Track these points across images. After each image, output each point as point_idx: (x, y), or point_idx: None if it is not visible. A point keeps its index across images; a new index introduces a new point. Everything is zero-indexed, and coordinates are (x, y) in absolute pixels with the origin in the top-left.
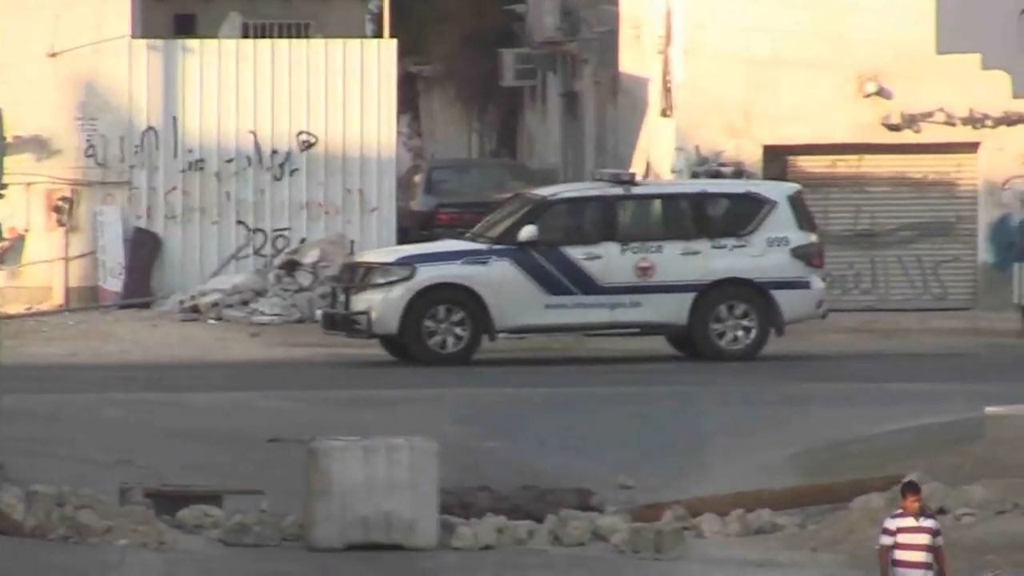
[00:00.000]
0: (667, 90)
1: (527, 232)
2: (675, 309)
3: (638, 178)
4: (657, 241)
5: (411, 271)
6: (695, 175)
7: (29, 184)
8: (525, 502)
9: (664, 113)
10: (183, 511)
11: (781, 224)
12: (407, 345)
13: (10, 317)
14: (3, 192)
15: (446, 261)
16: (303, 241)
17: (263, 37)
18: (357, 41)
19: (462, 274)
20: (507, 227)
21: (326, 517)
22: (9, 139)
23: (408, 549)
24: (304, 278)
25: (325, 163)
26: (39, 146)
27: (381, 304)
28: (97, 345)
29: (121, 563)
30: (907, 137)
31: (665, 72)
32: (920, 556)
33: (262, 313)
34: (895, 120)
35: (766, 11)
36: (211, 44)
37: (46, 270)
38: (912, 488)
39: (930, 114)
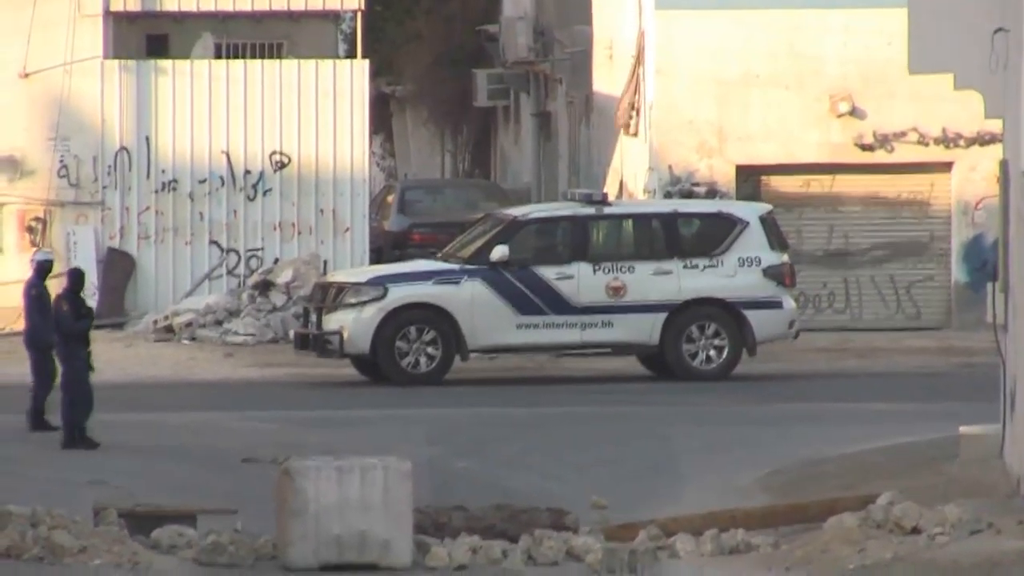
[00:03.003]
0: (635, 110)
1: (499, 252)
2: (647, 329)
3: (610, 198)
4: (629, 261)
5: (383, 291)
6: (668, 195)
7: (2, 205)
8: (499, 522)
9: (637, 133)
10: (157, 531)
11: (753, 244)
12: (379, 365)
13: None
14: None
15: (418, 281)
16: (276, 261)
17: (236, 57)
18: (330, 61)
19: (434, 294)
20: (479, 247)
21: (300, 537)
22: None
23: (382, 569)
24: (277, 298)
25: (298, 183)
26: (11, 167)
27: (353, 324)
28: None
29: None
30: (880, 157)
31: (634, 92)
32: None
33: (235, 333)
34: (868, 140)
35: (738, 31)
36: (184, 64)
37: (19, 291)
38: None
39: (903, 134)
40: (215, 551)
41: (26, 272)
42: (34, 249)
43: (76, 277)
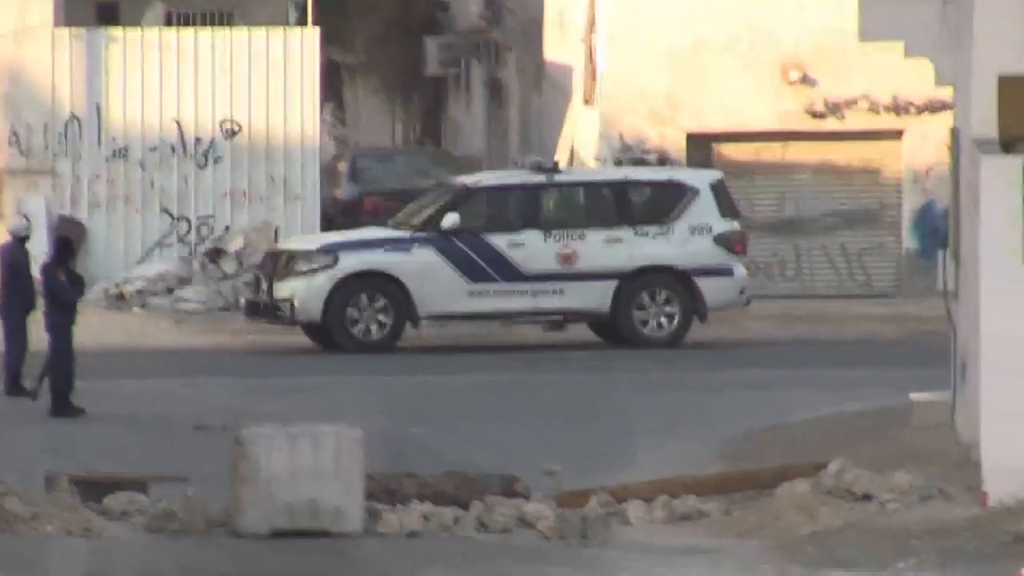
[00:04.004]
0: (589, 78)
1: (449, 220)
2: (598, 296)
3: (561, 166)
4: (580, 229)
5: (334, 259)
6: (619, 163)
7: None
8: (451, 488)
9: (587, 101)
10: (109, 498)
11: (704, 212)
12: (330, 332)
13: None
14: None
15: (369, 249)
16: (227, 229)
17: (186, 26)
18: (280, 29)
19: (385, 261)
20: (430, 215)
21: (252, 504)
22: None
23: (334, 535)
24: (229, 266)
25: (249, 151)
26: None
27: (304, 291)
28: None
29: (47, 550)
30: (831, 125)
31: (588, 61)
32: None
33: (187, 300)
34: (819, 108)
35: None
36: (134, 33)
37: None
38: None
39: (854, 102)
40: (166, 518)
41: None
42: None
43: (64, 245)
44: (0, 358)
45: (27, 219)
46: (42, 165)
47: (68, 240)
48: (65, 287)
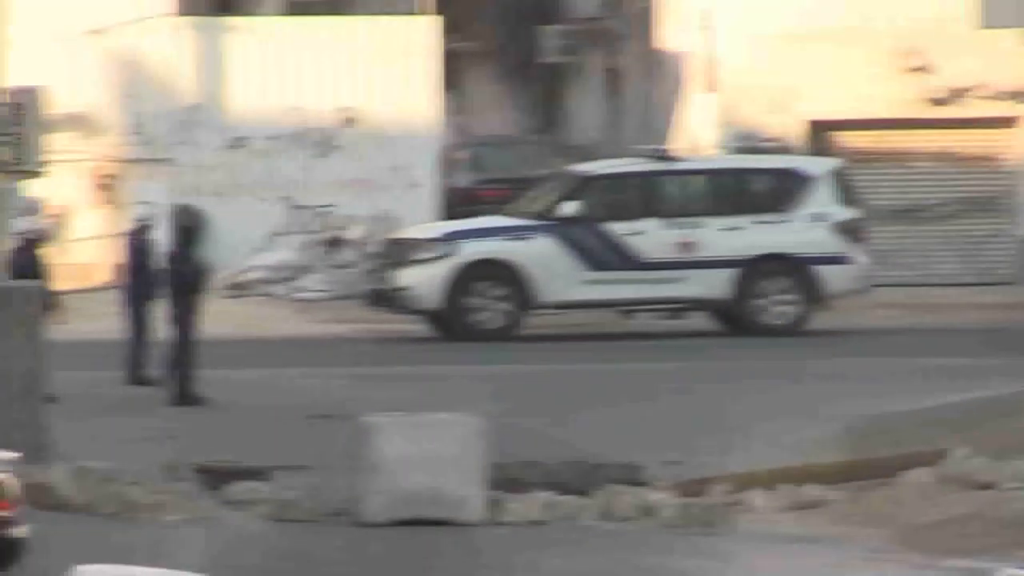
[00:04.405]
0: (708, 65)
1: (569, 208)
2: (718, 284)
3: (680, 154)
4: (699, 217)
5: (454, 247)
6: (738, 151)
7: (74, 162)
8: (573, 477)
9: (706, 88)
10: (231, 487)
11: (823, 199)
12: (450, 321)
13: (57, 294)
14: (46, 170)
15: (488, 237)
16: (347, 218)
17: (306, 14)
18: (400, 18)
19: (504, 250)
20: (549, 203)
21: (374, 492)
22: (53, 118)
23: (456, 524)
24: (348, 254)
25: (369, 140)
26: (84, 124)
27: (424, 280)
28: None
29: (171, 539)
30: (950, 112)
31: (706, 48)
32: None
33: (307, 289)
34: (940, 95)
35: None
36: (254, 22)
37: (92, 247)
38: None
39: (973, 89)
40: (288, 507)
41: (101, 229)
42: (139, 204)
43: (188, 234)
44: (123, 347)
45: (151, 207)
46: (163, 154)
47: (192, 229)
48: (193, 275)
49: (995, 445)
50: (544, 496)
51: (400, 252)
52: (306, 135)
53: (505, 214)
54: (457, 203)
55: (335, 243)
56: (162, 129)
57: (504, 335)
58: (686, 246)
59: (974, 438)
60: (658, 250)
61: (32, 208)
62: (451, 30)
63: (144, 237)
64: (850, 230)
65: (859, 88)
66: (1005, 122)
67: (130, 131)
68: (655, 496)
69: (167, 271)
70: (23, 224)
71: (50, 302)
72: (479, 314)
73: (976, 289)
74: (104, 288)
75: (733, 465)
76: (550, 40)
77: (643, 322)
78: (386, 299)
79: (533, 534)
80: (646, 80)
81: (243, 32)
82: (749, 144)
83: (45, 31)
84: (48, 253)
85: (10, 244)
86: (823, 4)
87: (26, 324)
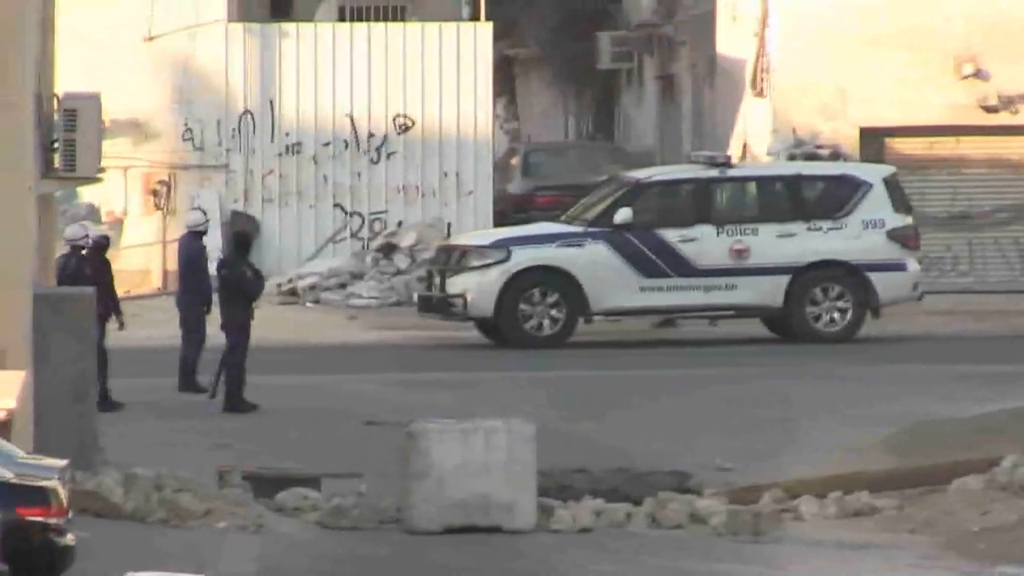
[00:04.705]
0: (762, 70)
1: (622, 215)
2: (770, 291)
3: (733, 160)
4: (752, 223)
5: (507, 254)
6: (791, 157)
7: (127, 168)
8: (622, 484)
9: (758, 93)
10: (281, 494)
11: (877, 206)
12: (502, 328)
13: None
14: (101, 176)
15: (541, 244)
16: (400, 224)
17: (359, 20)
18: (453, 24)
19: (557, 257)
20: (602, 210)
21: (424, 499)
22: (107, 123)
23: (506, 531)
24: (401, 261)
25: (422, 146)
26: (136, 130)
27: (477, 287)
28: None
29: (220, 546)
30: (1004, 119)
31: (760, 53)
32: None
33: (359, 296)
34: (992, 102)
35: None
36: (307, 27)
37: (144, 254)
38: None
39: None
40: (339, 514)
41: (154, 235)
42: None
43: (243, 240)
44: (176, 353)
45: (204, 213)
46: (216, 160)
47: (246, 235)
48: (251, 281)
49: None
50: (593, 503)
51: (453, 259)
52: (359, 142)
53: (559, 221)
54: (510, 209)
55: (388, 250)
56: (215, 135)
57: (556, 342)
58: (739, 253)
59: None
60: (711, 257)
61: (90, 214)
62: (504, 36)
63: (197, 243)
64: (903, 237)
65: (912, 94)
66: None
67: (183, 137)
68: (704, 503)
69: (220, 277)
70: (72, 231)
71: (117, 309)
72: (532, 321)
73: None
74: (157, 294)
75: (783, 472)
76: (604, 46)
77: (694, 329)
78: (438, 306)
79: (582, 541)
80: (700, 86)
81: (296, 38)
82: (803, 150)
83: (99, 36)
84: (110, 260)
85: (60, 250)
86: (876, 9)
87: (77, 330)
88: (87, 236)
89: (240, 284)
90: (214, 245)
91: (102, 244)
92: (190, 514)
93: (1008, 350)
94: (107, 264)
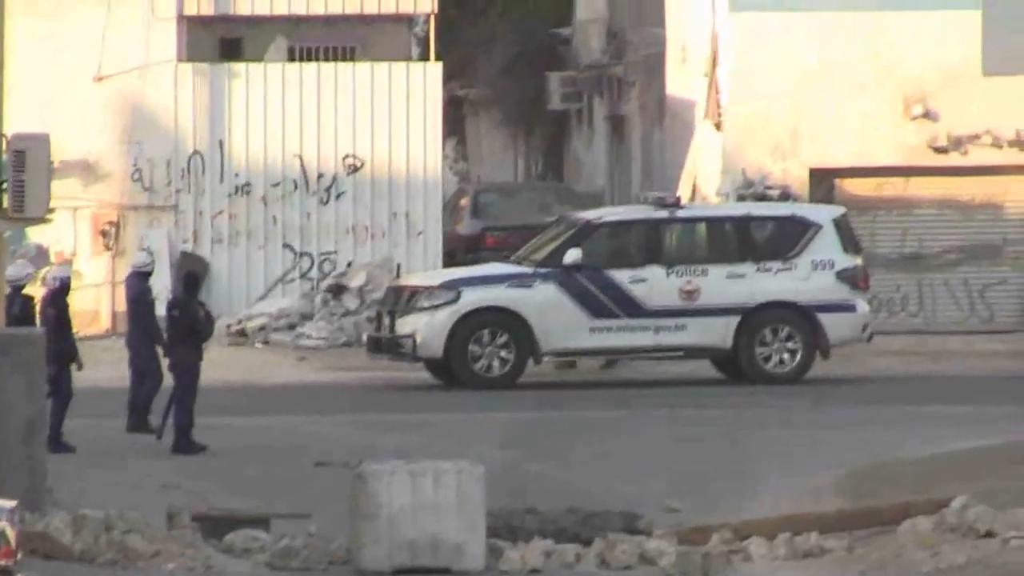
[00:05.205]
0: (712, 111)
1: (572, 255)
2: (720, 332)
3: (683, 201)
4: (702, 264)
5: (456, 294)
6: (741, 198)
7: (76, 208)
8: (572, 525)
9: (710, 135)
10: (230, 535)
11: (826, 247)
12: (452, 369)
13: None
14: (51, 217)
15: (491, 284)
16: (349, 264)
17: (309, 60)
18: (402, 64)
19: (507, 297)
20: (552, 250)
21: (373, 540)
22: (56, 164)
23: (456, 572)
24: (350, 302)
25: (371, 186)
26: (85, 170)
27: (426, 327)
28: None
29: None
30: (954, 160)
31: (710, 94)
32: None
33: (308, 337)
34: (942, 143)
35: (813, 33)
36: (257, 67)
37: (93, 294)
38: None
39: (977, 136)
40: (288, 555)
41: (102, 276)
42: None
43: (194, 280)
44: (125, 394)
45: (150, 254)
46: (165, 201)
47: (196, 275)
48: (203, 321)
49: (997, 494)
50: (543, 544)
51: (402, 299)
52: (308, 182)
53: (508, 261)
54: (460, 250)
55: (337, 290)
56: (165, 176)
57: (506, 383)
58: (689, 294)
59: (976, 487)
60: (661, 297)
61: (39, 256)
62: (454, 76)
63: (142, 284)
64: (853, 278)
65: (862, 135)
66: (1011, 170)
67: (133, 178)
68: (653, 544)
69: (170, 318)
70: (14, 271)
71: (73, 352)
72: (481, 362)
73: (980, 337)
74: (106, 335)
75: (732, 513)
76: (554, 87)
77: (646, 368)
78: (388, 346)
79: None
80: (650, 127)
81: (246, 78)
82: (752, 191)
83: (49, 76)
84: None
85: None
86: (828, 51)
87: (26, 371)
88: (29, 275)
89: (193, 324)
90: (163, 285)
91: (68, 284)
92: (139, 555)
93: (959, 391)
94: (67, 305)
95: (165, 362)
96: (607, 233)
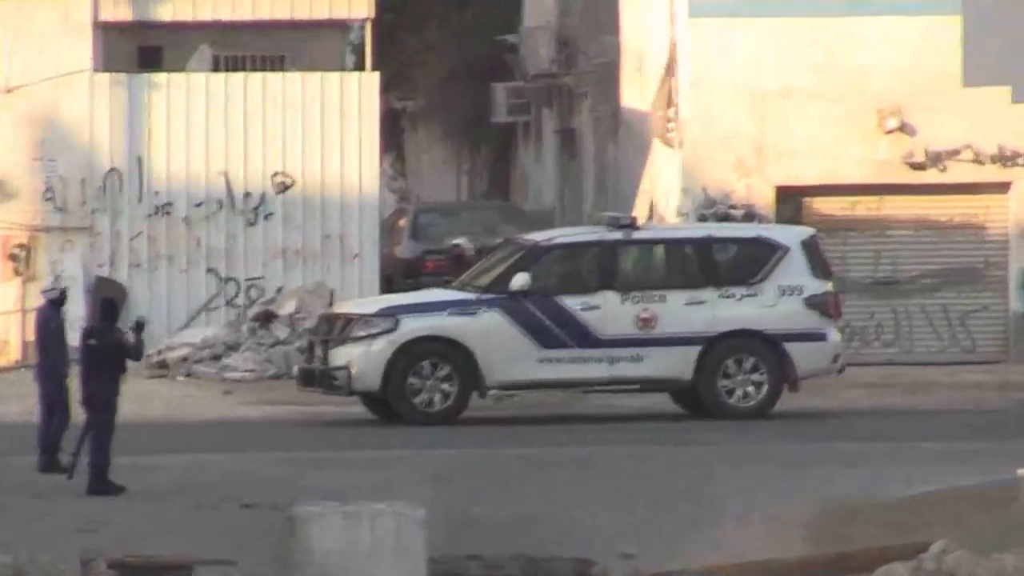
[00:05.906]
0: (670, 122)
1: (519, 280)
2: (679, 364)
3: (640, 222)
4: (660, 290)
5: (394, 323)
6: (702, 218)
7: None
8: (519, 572)
9: (669, 151)
10: None
11: (794, 271)
12: (390, 403)
13: None
14: None
15: (432, 312)
16: (279, 291)
17: (235, 70)
18: (336, 74)
19: (449, 326)
20: (498, 275)
21: None
22: None
23: None
24: (280, 331)
25: (303, 206)
26: None
27: (362, 359)
28: None
29: None
30: (931, 177)
31: (667, 105)
32: None
33: (235, 368)
34: (918, 158)
35: (778, 41)
36: (179, 78)
37: (2, 323)
38: None
39: (956, 152)
40: None
41: (11, 303)
42: (50, 277)
43: (112, 307)
44: (36, 430)
45: (56, 279)
46: (79, 222)
47: (114, 302)
48: (133, 349)
49: (978, 537)
50: None
51: (336, 328)
52: (234, 202)
53: (450, 287)
54: (399, 275)
55: (266, 318)
56: (79, 195)
57: (448, 418)
58: (646, 322)
59: (954, 530)
60: (616, 326)
61: None
62: (392, 87)
63: (50, 312)
64: (822, 304)
65: (833, 150)
66: (993, 188)
67: (45, 197)
68: None
69: (84, 348)
70: None
71: None
72: (422, 396)
73: (960, 367)
74: (15, 367)
75: (691, 559)
76: (500, 98)
77: (600, 402)
78: (321, 379)
79: None
80: (604, 141)
81: (167, 89)
82: (715, 210)
83: None
84: None
85: None
86: (794, 60)
87: None
88: None
89: (121, 351)
90: (77, 314)
91: None
92: None
93: (937, 426)
94: None
95: (76, 396)
96: (557, 256)
